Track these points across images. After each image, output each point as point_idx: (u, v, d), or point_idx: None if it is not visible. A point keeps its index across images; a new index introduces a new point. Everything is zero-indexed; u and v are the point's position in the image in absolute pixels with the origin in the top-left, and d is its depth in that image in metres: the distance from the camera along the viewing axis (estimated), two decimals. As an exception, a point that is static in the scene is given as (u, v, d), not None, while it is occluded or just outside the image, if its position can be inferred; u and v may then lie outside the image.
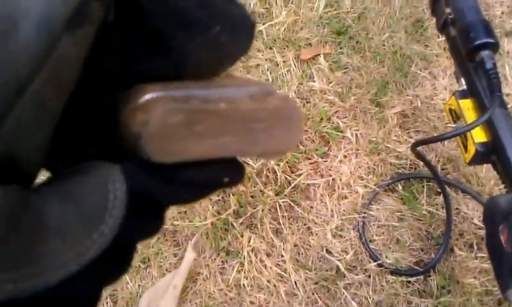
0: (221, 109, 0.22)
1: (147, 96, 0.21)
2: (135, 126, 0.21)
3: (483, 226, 0.98)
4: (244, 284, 1.00)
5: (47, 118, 0.18)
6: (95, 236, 0.18)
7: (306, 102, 1.21)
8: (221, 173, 0.24)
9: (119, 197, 0.19)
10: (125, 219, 0.19)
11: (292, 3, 1.33)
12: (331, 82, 1.23)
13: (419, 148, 0.85)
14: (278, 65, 1.25)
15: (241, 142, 0.23)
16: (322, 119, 1.18)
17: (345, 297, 1.00)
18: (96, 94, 0.23)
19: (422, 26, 1.32)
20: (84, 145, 0.24)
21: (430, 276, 1.02)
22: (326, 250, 1.05)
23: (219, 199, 1.10)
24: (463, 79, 0.83)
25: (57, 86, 0.18)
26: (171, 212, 1.08)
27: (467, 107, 0.81)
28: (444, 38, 0.84)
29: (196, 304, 0.99)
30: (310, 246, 1.05)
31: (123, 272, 0.23)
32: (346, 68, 1.26)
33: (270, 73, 1.24)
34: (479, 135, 0.78)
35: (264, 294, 0.99)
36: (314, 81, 1.23)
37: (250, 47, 0.24)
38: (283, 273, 1.02)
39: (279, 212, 1.08)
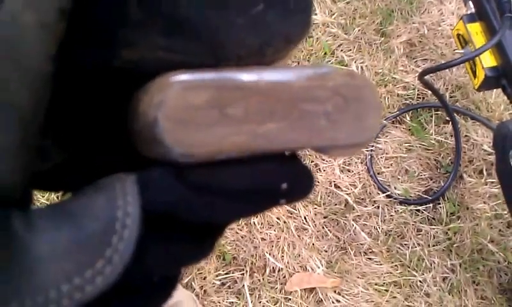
0: (263, 85, 0.17)
1: (166, 77, 0.17)
2: (150, 112, 0.16)
3: (493, 151, 0.98)
4: (254, 223, 1.01)
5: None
6: (100, 265, 0.15)
7: (309, 37, 1.17)
8: (274, 176, 0.18)
9: (131, 214, 0.15)
10: (147, 241, 0.16)
11: None
12: (333, 14, 1.19)
13: (427, 77, 0.83)
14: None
15: (293, 130, 0.18)
16: (325, 53, 1.15)
17: (355, 228, 1.01)
18: (113, 98, 0.19)
19: None
20: (97, 157, 0.20)
21: (439, 204, 1.03)
22: (335, 185, 1.05)
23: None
24: (470, 2, 0.80)
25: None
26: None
27: (475, 31, 0.79)
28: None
29: (209, 244, 1.01)
30: (318, 182, 1.05)
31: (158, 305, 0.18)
32: (349, -3, 1.22)
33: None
34: (488, 60, 0.76)
35: (275, 230, 1.01)
36: (316, 14, 1.19)
37: (309, 24, 0.18)
38: (292, 210, 1.03)
39: (286, 150, 1.08)
